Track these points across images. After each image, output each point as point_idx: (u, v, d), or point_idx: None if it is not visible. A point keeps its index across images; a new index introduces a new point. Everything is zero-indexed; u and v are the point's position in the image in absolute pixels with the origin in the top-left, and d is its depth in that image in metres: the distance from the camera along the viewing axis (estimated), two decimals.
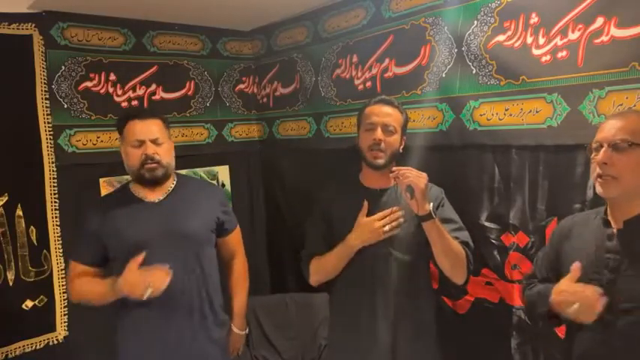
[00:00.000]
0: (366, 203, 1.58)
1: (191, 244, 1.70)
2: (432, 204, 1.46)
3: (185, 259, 1.68)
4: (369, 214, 1.59)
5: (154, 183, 1.69)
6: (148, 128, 1.65)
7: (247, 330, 1.96)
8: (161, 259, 1.62)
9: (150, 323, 1.64)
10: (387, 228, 1.53)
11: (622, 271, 1.18)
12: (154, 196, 1.71)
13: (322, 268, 1.67)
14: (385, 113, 1.61)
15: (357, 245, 1.57)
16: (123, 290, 1.52)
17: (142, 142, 1.64)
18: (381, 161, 1.59)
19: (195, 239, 1.71)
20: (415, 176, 1.42)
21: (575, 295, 1.16)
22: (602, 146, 1.19)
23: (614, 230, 1.22)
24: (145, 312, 1.62)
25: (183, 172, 2.69)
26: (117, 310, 1.67)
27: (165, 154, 1.69)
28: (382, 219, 1.54)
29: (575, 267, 1.20)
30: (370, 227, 1.54)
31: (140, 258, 1.52)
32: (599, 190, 1.20)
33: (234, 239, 1.92)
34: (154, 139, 1.65)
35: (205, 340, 1.72)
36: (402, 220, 1.54)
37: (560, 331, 1.54)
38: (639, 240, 1.18)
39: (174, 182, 1.76)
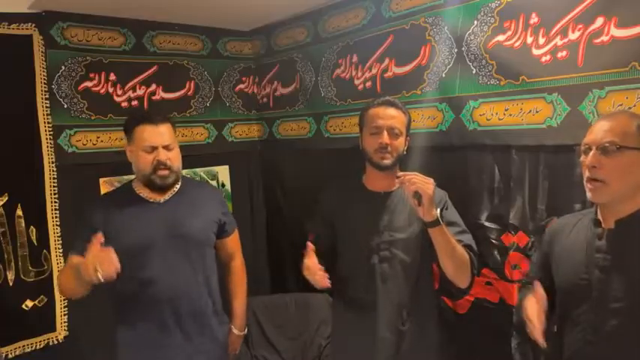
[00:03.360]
0: (310, 248, 1.54)
1: (195, 245, 1.70)
2: (438, 209, 1.44)
3: (189, 259, 1.68)
4: (375, 216, 1.60)
5: (164, 189, 1.68)
6: (161, 134, 1.63)
7: (246, 331, 1.96)
8: (166, 259, 1.63)
9: (152, 327, 1.63)
10: (311, 279, 1.50)
11: (612, 270, 1.17)
12: (159, 196, 1.70)
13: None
14: (390, 116, 1.59)
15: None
16: (81, 272, 1.43)
17: (154, 148, 1.62)
18: (388, 162, 1.59)
19: (198, 240, 1.71)
20: (422, 182, 1.40)
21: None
22: (590, 149, 1.18)
23: (605, 230, 1.22)
24: (146, 317, 1.62)
25: (183, 172, 2.71)
26: (117, 307, 1.67)
27: (176, 160, 1.68)
28: (314, 270, 1.49)
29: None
30: (306, 272, 1.51)
31: (99, 237, 1.42)
32: (589, 195, 1.20)
33: (233, 241, 1.92)
34: (166, 145, 1.64)
35: (209, 340, 1.72)
36: (324, 279, 1.47)
37: None
38: (630, 240, 1.17)
39: (179, 184, 1.75)
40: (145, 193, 1.70)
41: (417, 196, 1.41)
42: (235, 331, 1.88)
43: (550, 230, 1.42)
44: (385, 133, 1.57)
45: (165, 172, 1.64)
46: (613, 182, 1.15)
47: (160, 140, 1.63)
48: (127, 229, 1.62)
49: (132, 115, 1.72)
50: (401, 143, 1.61)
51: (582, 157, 1.21)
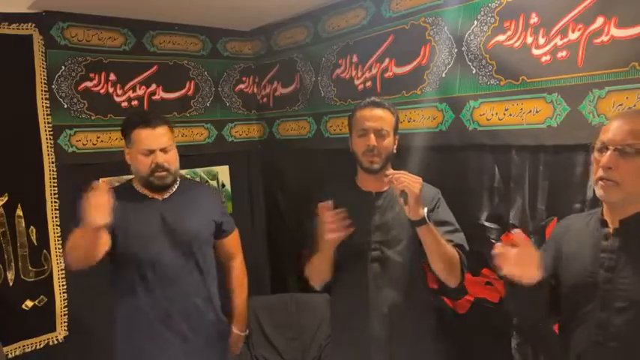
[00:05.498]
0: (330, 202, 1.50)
1: (192, 243, 1.71)
2: (426, 209, 1.44)
3: (186, 257, 1.69)
4: (366, 216, 1.60)
5: (162, 189, 1.71)
6: (158, 137, 1.65)
7: (247, 331, 1.97)
8: (165, 255, 1.65)
9: (150, 322, 1.64)
10: (331, 232, 1.45)
11: (617, 270, 1.17)
12: (158, 195, 1.73)
13: (313, 269, 1.64)
14: (377, 117, 1.59)
15: (326, 241, 1.49)
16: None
17: (152, 151, 1.64)
18: (376, 166, 1.59)
19: (196, 239, 1.73)
20: (409, 181, 1.40)
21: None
22: (607, 148, 1.15)
23: (610, 230, 1.21)
24: (144, 311, 1.63)
25: (183, 172, 2.71)
26: (115, 302, 1.68)
27: (174, 161, 1.70)
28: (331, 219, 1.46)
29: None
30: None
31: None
32: (599, 193, 1.19)
33: (233, 241, 1.93)
34: (163, 148, 1.66)
35: (205, 339, 1.73)
36: (345, 226, 1.45)
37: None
38: (635, 239, 1.17)
39: (177, 183, 1.78)
40: (144, 191, 1.73)
41: (404, 195, 1.41)
42: (236, 331, 1.89)
43: (555, 231, 1.42)
44: (372, 135, 1.57)
45: (163, 174, 1.66)
46: (626, 183, 1.14)
47: (157, 144, 1.64)
48: (129, 224, 1.64)
49: (129, 117, 1.73)
50: (389, 143, 1.61)
51: (596, 155, 1.19)
